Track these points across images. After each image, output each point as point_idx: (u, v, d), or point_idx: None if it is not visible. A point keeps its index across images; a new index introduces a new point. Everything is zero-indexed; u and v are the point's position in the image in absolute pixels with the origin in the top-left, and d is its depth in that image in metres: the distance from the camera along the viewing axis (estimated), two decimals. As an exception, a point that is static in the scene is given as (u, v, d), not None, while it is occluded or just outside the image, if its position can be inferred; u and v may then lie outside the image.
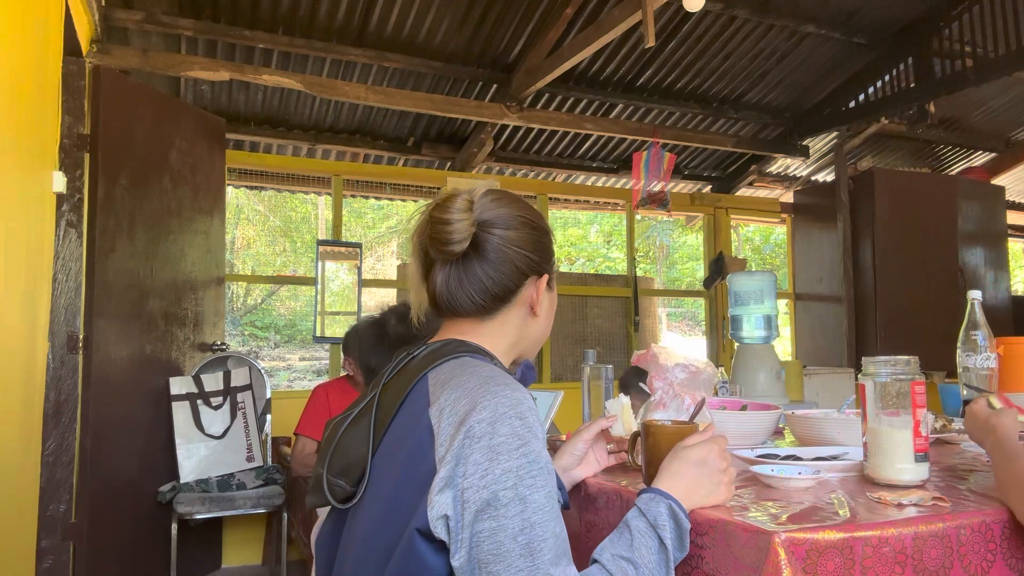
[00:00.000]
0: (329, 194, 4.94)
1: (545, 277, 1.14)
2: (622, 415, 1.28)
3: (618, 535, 0.98)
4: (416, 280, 1.14)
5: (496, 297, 1.09)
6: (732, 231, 6.24)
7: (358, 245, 4.95)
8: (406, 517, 0.94)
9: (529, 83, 4.29)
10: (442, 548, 0.92)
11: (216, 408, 3.67)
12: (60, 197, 3.02)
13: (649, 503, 1.00)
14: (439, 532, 0.91)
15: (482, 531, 0.88)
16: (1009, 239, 6.34)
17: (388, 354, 1.65)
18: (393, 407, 1.04)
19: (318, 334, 4.86)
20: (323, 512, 1.58)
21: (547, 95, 4.85)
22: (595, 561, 0.95)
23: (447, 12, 4.10)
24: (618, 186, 5.83)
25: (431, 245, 1.07)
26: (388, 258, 11.65)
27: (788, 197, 6.30)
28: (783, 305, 6.20)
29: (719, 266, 5.61)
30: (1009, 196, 6.58)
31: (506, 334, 1.12)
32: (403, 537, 0.94)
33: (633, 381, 3.42)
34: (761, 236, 13.02)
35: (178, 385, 3.60)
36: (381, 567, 0.96)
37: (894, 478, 1.18)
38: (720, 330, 5.78)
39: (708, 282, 5.82)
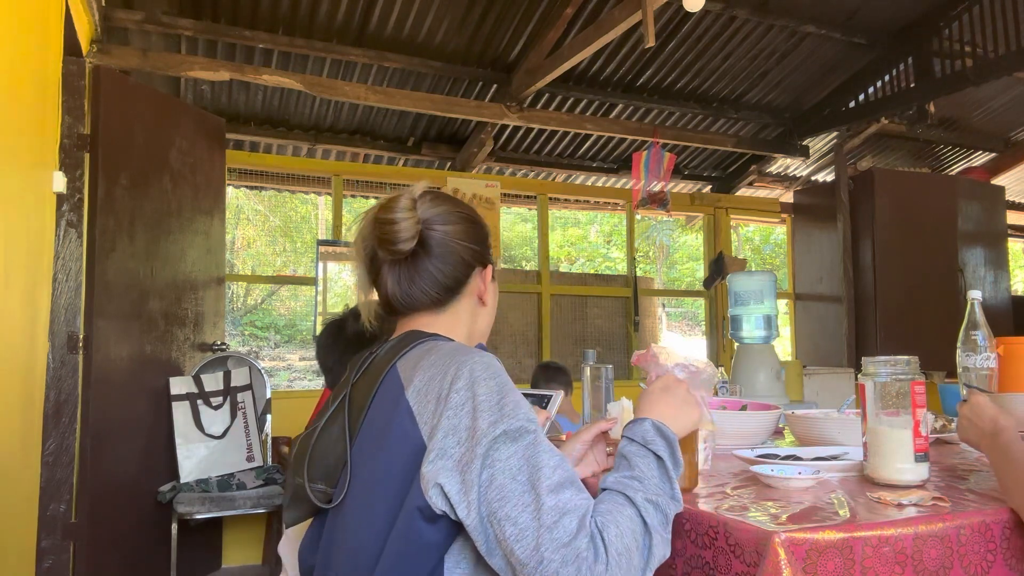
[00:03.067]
0: (329, 194, 4.94)
1: (489, 268, 1.20)
2: (622, 417, 1.29)
3: (616, 466, 1.02)
4: (364, 285, 1.18)
5: (448, 289, 1.14)
6: (732, 231, 6.24)
7: (358, 245, 4.95)
8: (398, 500, 0.97)
9: (529, 83, 4.29)
10: (438, 521, 0.94)
11: (216, 408, 3.67)
12: (60, 197, 3.02)
13: (633, 428, 1.05)
14: (435, 502, 0.93)
15: (483, 481, 0.91)
16: (1009, 239, 6.34)
17: (344, 353, 1.65)
18: (366, 401, 1.06)
19: (318, 334, 4.86)
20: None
21: (547, 95, 4.85)
22: (603, 490, 0.98)
23: (447, 12, 4.10)
24: (618, 186, 5.83)
25: (380, 246, 1.11)
26: (388, 258, 11.63)
27: (788, 197, 6.30)
28: (783, 305, 6.20)
29: (719, 266, 5.61)
30: (1009, 196, 6.58)
31: (459, 325, 1.17)
32: (399, 519, 0.95)
33: (541, 379, 3.42)
34: (761, 236, 13.01)
35: (178, 385, 3.60)
36: (376, 554, 0.97)
37: (894, 478, 1.18)
38: (720, 330, 5.78)
39: (708, 282, 5.82)
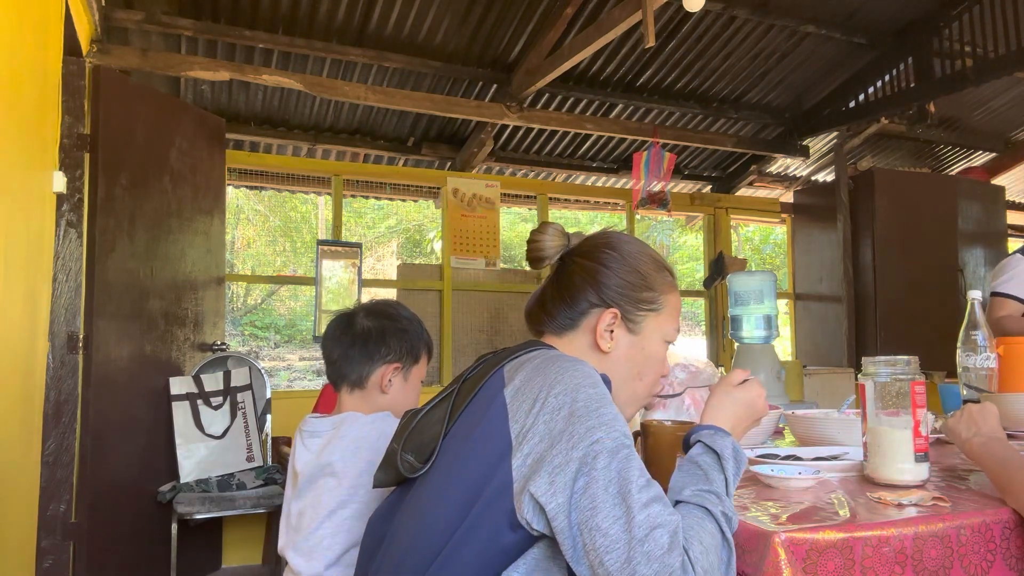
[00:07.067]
0: (329, 194, 4.94)
1: (614, 312, 1.15)
2: None
3: (687, 473, 1.00)
4: None
5: (556, 317, 1.18)
6: (732, 231, 6.24)
7: (358, 245, 4.95)
8: (472, 490, 0.97)
9: (529, 83, 4.29)
10: (519, 530, 0.94)
11: (216, 408, 3.67)
12: (60, 197, 3.02)
13: (714, 438, 1.04)
14: (525, 509, 0.93)
15: (577, 489, 0.90)
16: (1009, 239, 6.34)
17: (351, 347, 1.64)
18: (470, 394, 1.09)
19: (318, 334, 4.86)
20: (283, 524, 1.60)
21: (547, 95, 4.85)
22: (678, 502, 0.96)
23: (447, 12, 4.10)
24: (618, 186, 5.83)
25: (526, 258, 1.23)
26: (388, 258, 11.64)
27: (788, 197, 6.30)
28: (783, 305, 6.20)
29: (719, 266, 5.61)
30: (1009, 196, 6.58)
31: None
32: (472, 511, 0.96)
33: None
34: (761, 236, 13.01)
35: (178, 385, 3.60)
36: (443, 536, 0.97)
37: (894, 478, 1.18)
38: (720, 330, 5.78)
39: (708, 282, 5.81)
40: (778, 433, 1.84)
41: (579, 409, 0.95)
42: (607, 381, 1.10)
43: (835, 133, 5.69)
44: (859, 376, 1.27)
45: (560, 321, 1.17)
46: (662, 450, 1.22)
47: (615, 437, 0.94)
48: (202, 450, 3.56)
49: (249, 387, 3.83)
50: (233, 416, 3.71)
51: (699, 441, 1.04)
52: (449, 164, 5.27)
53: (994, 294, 2.51)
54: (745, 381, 1.16)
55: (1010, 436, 1.62)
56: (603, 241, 1.20)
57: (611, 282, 1.16)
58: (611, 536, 0.87)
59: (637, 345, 1.17)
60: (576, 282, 1.16)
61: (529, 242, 1.22)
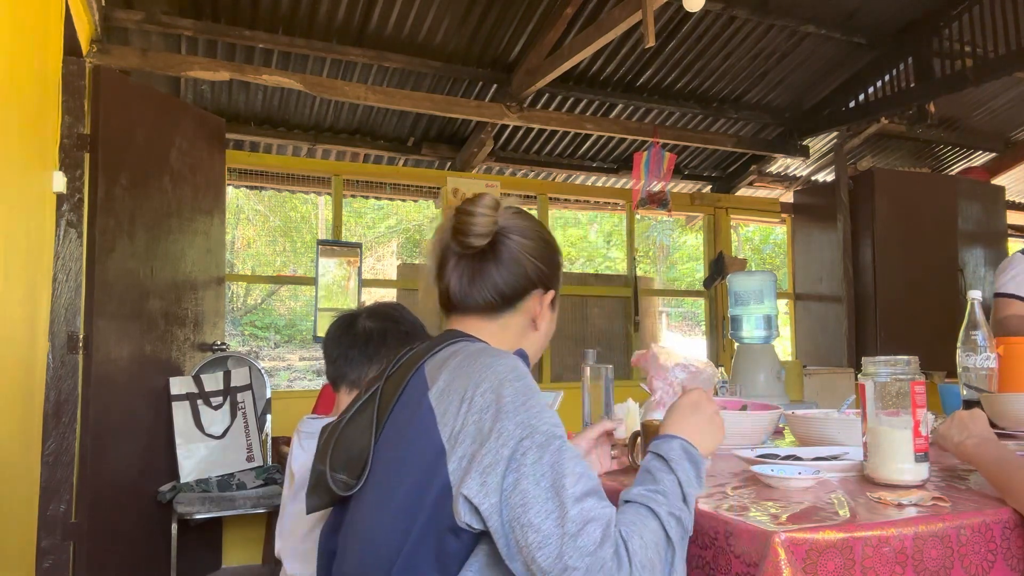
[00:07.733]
0: (329, 194, 4.94)
1: (551, 294, 1.19)
2: (627, 419, 1.29)
3: (638, 478, 1.00)
4: (429, 279, 1.19)
5: (504, 298, 1.13)
6: (732, 231, 6.24)
7: (358, 245, 4.95)
8: (411, 498, 0.96)
9: (529, 83, 4.29)
10: (462, 534, 0.94)
11: (216, 408, 3.67)
12: (60, 197, 3.02)
13: (661, 445, 1.03)
14: (461, 511, 0.92)
15: (507, 486, 0.90)
16: (1009, 239, 6.34)
17: (350, 348, 1.65)
18: (393, 397, 1.07)
19: (318, 334, 4.86)
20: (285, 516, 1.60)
21: (547, 95, 4.85)
22: (626, 501, 0.96)
23: (447, 12, 4.10)
24: (618, 186, 5.83)
25: (453, 236, 1.12)
26: (388, 258, 11.64)
27: (788, 197, 6.30)
28: (783, 305, 6.20)
29: (719, 266, 5.61)
30: (1009, 196, 6.58)
31: (505, 339, 1.15)
32: (417, 522, 0.95)
33: None
34: (761, 236, 13.01)
35: (178, 385, 3.60)
36: (390, 552, 0.96)
37: (894, 478, 1.18)
38: (720, 330, 5.78)
39: (708, 282, 5.82)
40: (778, 433, 1.84)
41: (506, 405, 0.95)
42: (524, 355, 1.13)
43: (835, 133, 5.69)
44: (859, 376, 1.27)
45: (495, 301, 1.13)
46: (662, 450, 1.22)
47: (544, 430, 0.93)
48: (202, 450, 3.56)
49: (249, 387, 3.83)
50: (233, 416, 3.71)
51: (649, 451, 1.04)
52: (449, 164, 5.27)
53: (998, 295, 2.50)
54: (684, 393, 1.17)
55: (1010, 436, 1.62)
56: (532, 222, 1.19)
57: (548, 264, 1.17)
58: (543, 532, 0.86)
59: (551, 318, 1.22)
60: (518, 264, 1.13)
61: (462, 214, 1.12)
